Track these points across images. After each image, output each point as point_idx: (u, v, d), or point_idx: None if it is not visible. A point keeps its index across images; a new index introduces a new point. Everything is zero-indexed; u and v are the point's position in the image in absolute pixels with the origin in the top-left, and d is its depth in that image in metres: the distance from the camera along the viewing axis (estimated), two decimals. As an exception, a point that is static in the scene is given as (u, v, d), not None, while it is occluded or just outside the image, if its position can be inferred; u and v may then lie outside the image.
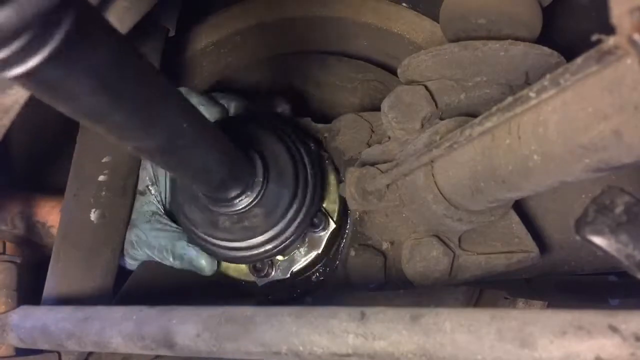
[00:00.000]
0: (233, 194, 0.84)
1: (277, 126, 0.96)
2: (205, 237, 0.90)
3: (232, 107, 1.03)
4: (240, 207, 0.86)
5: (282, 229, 0.90)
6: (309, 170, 0.94)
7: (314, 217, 0.96)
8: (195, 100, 0.96)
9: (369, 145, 1.00)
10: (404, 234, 0.91)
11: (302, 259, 0.98)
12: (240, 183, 0.84)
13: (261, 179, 0.85)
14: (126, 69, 0.43)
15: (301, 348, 0.59)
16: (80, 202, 0.93)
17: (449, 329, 0.53)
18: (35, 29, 0.29)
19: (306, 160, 0.94)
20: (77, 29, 0.33)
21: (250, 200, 0.85)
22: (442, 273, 0.85)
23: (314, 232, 0.98)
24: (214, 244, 0.90)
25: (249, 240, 0.89)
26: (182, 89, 0.99)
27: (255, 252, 0.91)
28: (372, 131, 1.01)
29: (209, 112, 0.97)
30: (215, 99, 1.02)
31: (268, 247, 0.91)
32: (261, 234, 0.89)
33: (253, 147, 0.87)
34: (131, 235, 0.95)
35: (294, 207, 0.90)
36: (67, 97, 0.39)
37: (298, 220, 0.91)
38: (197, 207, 0.90)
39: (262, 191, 0.86)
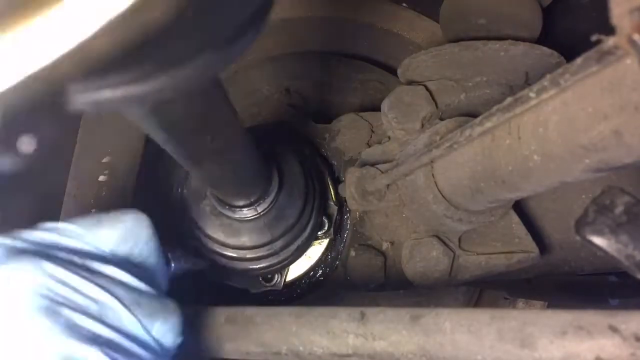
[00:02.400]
0: (245, 202, 0.83)
1: (292, 140, 0.97)
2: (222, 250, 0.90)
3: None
4: (257, 211, 0.85)
5: (291, 239, 0.90)
6: (316, 185, 0.95)
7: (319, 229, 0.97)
8: None
9: (369, 145, 0.99)
10: (404, 234, 0.91)
11: (297, 269, 1.00)
12: (257, 190, 0.83)
13: (276, 187, 0.85)
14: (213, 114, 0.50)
15: (301, 348, 0.59)
16: (80, 202, 0.93)
17: (449, 329, 0.53)
18: None
19: (313, 173, 0.95)
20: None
21: (266, 206, 0.84)
22: (442, 273, 0.85)
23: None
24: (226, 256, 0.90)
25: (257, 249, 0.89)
26: None
27: (265, 264, 0.91)
28: (372, 131, 1.01)
29: None
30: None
31: (276, 260, 0.91)
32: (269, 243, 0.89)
33: (271, 157, 0.87)
34: None
35: (304, 216, 0.91)
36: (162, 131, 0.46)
37: (308, 229, 0.92)
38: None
39: (275, 200, 0.85)
